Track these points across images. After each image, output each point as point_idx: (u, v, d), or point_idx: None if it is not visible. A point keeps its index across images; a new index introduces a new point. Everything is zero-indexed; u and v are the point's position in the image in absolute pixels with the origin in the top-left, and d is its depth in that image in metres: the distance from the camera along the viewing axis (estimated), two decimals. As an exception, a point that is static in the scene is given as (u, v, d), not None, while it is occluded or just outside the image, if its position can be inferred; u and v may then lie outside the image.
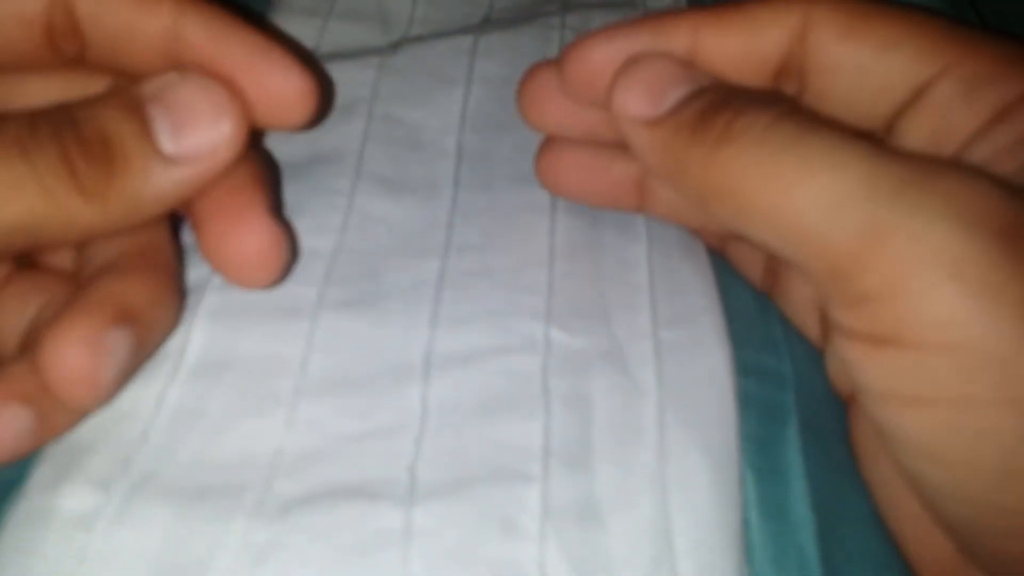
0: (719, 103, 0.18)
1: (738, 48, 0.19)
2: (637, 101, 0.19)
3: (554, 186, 0.24)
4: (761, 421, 0.22)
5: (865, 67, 0.18)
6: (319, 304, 0.23)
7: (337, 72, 0.28)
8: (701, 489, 0.20)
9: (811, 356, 0.23)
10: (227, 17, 0.19)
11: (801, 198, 0.16)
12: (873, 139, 0.16)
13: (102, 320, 0.17)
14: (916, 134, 0.18)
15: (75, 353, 0.17)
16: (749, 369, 0.23)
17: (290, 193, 0.25)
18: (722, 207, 0.17)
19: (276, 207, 0.20)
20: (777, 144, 0.16)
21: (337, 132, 0.27)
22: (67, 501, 0.19)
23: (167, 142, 0.18)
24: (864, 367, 0.16)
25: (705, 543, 0.19)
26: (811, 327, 0.23)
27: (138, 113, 0.18)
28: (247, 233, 0.19)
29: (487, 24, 0.31)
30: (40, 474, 0.20)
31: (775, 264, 0.23)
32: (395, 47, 0.30)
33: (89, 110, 0.18)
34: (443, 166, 0.26)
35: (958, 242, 0.14)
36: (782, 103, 0.17)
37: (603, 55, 0.20)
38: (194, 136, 0.18)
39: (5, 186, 0.16)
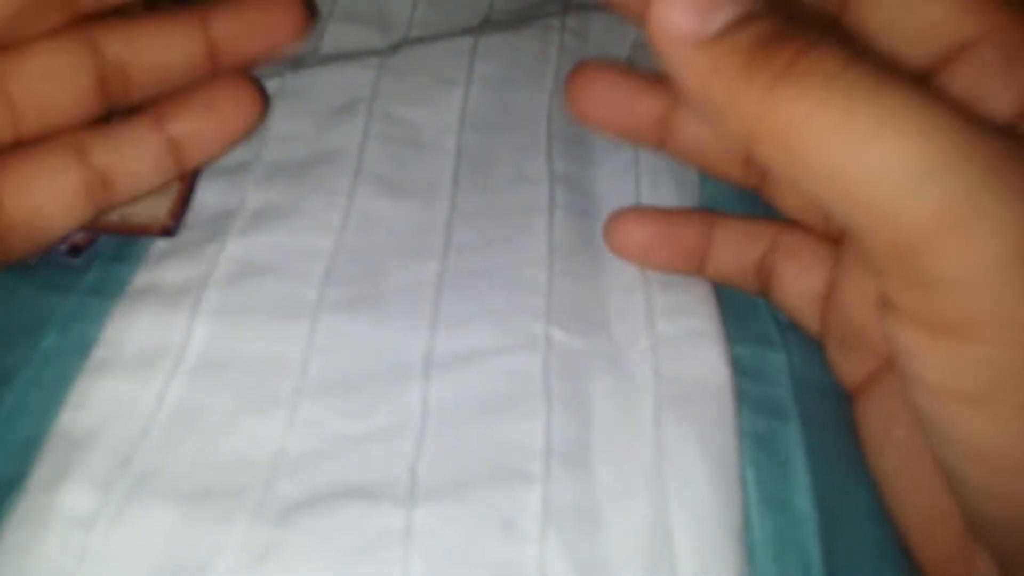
0: (780, 34, 0.15)
1: None
2: (682, 14, 0.16)
3: (580, 112, 0.23)
4: (760, 417, 0.22)
5: (910, 3, 0.17)
6: (319, 304, 0.23)
7: (337, 73, 0.28)
8: (700, 486, 0.20)
9: (807, 348, 0.23)
10: None
11: (876, 159, 0.14)
12: (960, 105, 0.14)
13: None
14: (951, 92, 0.17)
15: None
16: (745, 366, 0.23)
17: (290, 192, 0.25)
18: (775, 153, 0.15)
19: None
20: (854, 90, 0.14)
21: (337, 132, 0.27)
22: (67, 500, 0.19)
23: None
24: (921, 355, 0.15)
25: (705, 541, 0.19)
26: (810, 320, 0.22)
27: None
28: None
29: (487, 25, 0.31)
30: (40, 472, 0.19)
31: (770, 260, 0.23)
32: (395, 48, 0.30)
33: None
34: (442, 166, 0.26)
35: None
36: (849, 45, 0.15)
37: None
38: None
39: None
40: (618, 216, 0.22)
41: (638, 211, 0.22)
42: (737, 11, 0.16)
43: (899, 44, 0.17)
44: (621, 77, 0.22)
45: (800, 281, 0.22)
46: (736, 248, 0.23)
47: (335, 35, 0.31)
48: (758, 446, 0.21)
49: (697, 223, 0.23)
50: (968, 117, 0.14)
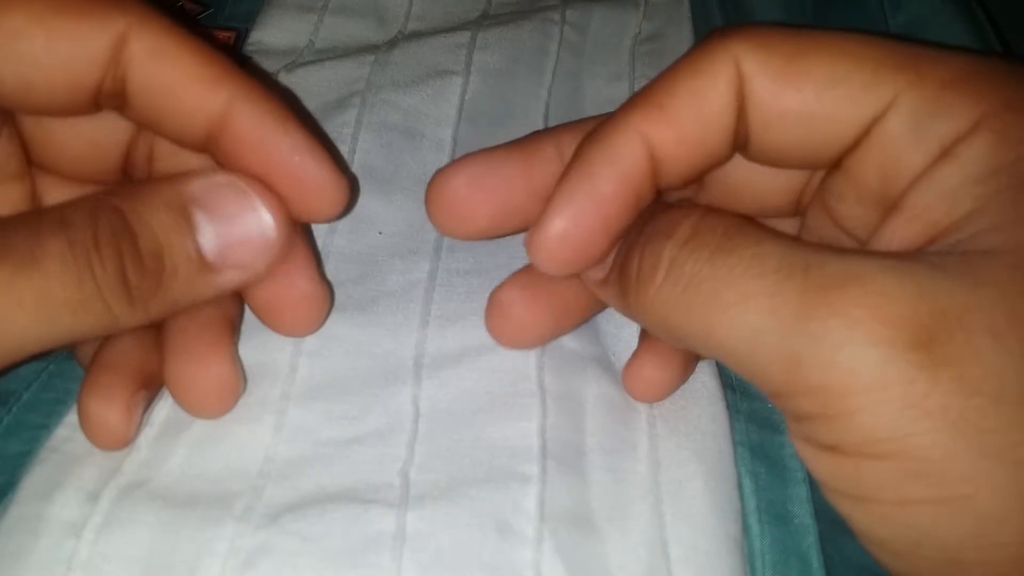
0: (629, 248, 0.18)
1: (692, 133, 0.18)
2: (591, 270, 0.19)
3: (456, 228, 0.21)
4: (754, 427, 0.22)
5: (808, 113, 0.17)
6: None
7: (332, 70, 0.28)
8: (696, 497, 0.19)
9: None
10: (279, 108, 0.19)
11: (722, 335, 0.16)
12: (781, 241, 0.16)
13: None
14: (864, 172, 0.18)
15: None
16: (735, 384, 0.22)
17: None
18: (670, 339, 0.18)
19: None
20: (688, 281, 0.16)
21: (330, 122, 0.27)
22: (57, 509, 0.19)
23: (211, 252, 0.19)
24: (814, 467, 0.16)
25: (701, 551, 0.19)
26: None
27: (186, 220, 0.18)
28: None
29: (486, 19, 0.31)
30: (30, 482, 0.19)
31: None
32: (392, 43, 0.29)
33: (139, 213, 0.18)
34: (436, 160, 0.26)
35: (869, 364, 0.14)
36: (685, 221, 0.17)
37: (568, 221, 0.18)
38: (239, 249, 0.19)
39: (76, 306, 0.17)
40: (633, 371, 0.22)
41: (644, 357, 0.21)
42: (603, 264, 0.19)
43: (806, 153, 0.18)
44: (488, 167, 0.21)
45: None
46: None
47: (330, 29, 0.30)
48: (755, 456, 0.21)
49: None
50: (789, 264, 0.15)
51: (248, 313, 0.22)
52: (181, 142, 0.19)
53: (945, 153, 0.16)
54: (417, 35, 0.30)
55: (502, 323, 0.21)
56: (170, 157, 0.20)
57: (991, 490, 0.14)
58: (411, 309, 0.22)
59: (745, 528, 0.20)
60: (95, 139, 0.20)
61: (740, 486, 0.20)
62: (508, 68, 0.28)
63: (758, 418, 0.22)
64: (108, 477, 0.19)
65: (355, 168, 0.25)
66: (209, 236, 0.19)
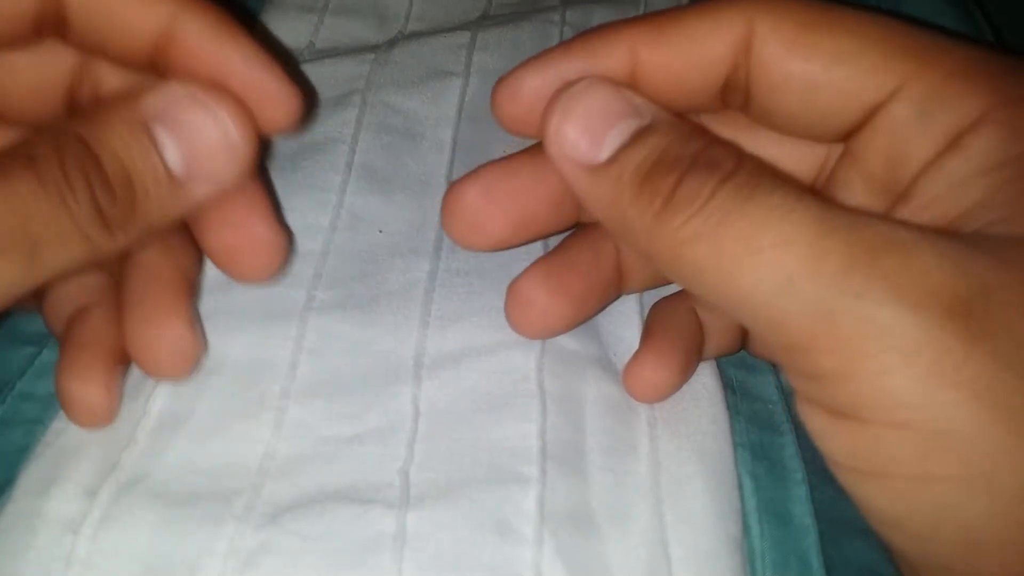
0: (664, 160, 0.17)
1: (680, 65, 0.18)
2: (576, 141, 0.17)
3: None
4: (754, 428, 0.22)
5: (814, 83, 0.17)
6: (308, 306, 0.22)
7: (332, 67, 0.28)
8: (696, 498, 0.19)
9: None
10: (224, 20, 0.19)
11: (749, 277, 0.15)
12: (820, 199, 0.16)
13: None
14: (870, 158, 0.18)
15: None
16: (735, 386, 0.22)
17: (279, 187, 0.25)
18: (671, 274, 0.17)
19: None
20: (721, 216, 0.16)
21: (330, 121, 0.26)
22: (55, 505, 0.19)
23: (178, 167, 0.18)
24: (824, 436, 0.16)
25: (702, 552, 0.19)
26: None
27: (148, 138, 0.18)
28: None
29: (485, 20, 0.31)
30: (28, 478, 0.19)
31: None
32: (392, 42, 0.29)
33: (101, 139, 0.17)
34: (437, 160, 0.26)
35: (907, 326, 0.14)
36: (728, 159, 0.16)
37: (536, 85, 0.19)
38: (205, 161, 0.18)
39: (56, 242, 0.17)
40: (633, 372, 0.21)
41: (645, 358, 0.21)
42: (627, 129, 0.17)
43: (809, 126, 0.18)
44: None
45: None
46: (719, 319, 0.22)
47: (330, 29, 0.30)
48: (755, 456, 0.21)
49: (684, 321, 0.22)
50: (829, 219, 0.15)
51: (245, 305, 0.22)
52: (126, 62, 0.19)
53: (952, 143, 0.16)
54: (417, 35, 0.30)
55: (523, 312, 0.21)
56: (116, 85, 0.20)
57: (1015, 468, 0.14)
58: (411, 309, 0.22)
59: (745, 528, 0.20)
60: (37, 76, 0.20)
61: (740, 487, 0.20)
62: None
63: (758, 419, 0.22)
64: (106, 472, 0.19)
65: (355, 167, 0.25)
66: (173, 151, 0.18)
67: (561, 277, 0.21)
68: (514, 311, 0.21)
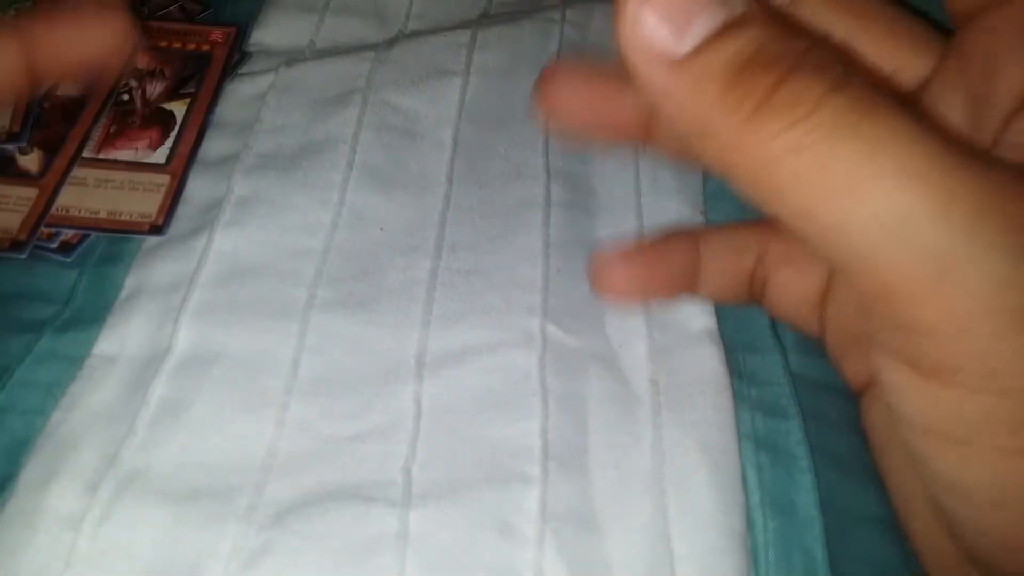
0: (762, 54, 0.14)
1: None
2: (655, 29, 0.14)
3: (552, 114, 0.20)
4: (760, 418, 0.21)
5: None
6: (309, 304, 0.22)
7: (332, 65, 0.28)
8: (700, 491, 0.19)
9: (804, 347, 0.23)
10: None
11: (855, 205, 0.13)
12: (943, 130, 0.14)
13: None
14: (972, 70, 0.16)
15: None
16: (742, 369, 0.22)
17: (280, 185, 0.25)
18: (754, 190, 0.14)
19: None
20: (831, 129, 0.13)
21: (330, 121, 0.26)
22: (54, 500, 0.19)
23: None
24: (904, 393, 0.15)
25: (705, 546, 0.19)
26: (807, 323, 0.21)
27: None
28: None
29: (486, 19, 0.31)
30: (29, 472, 0.19)
31: (762, 270, 0.22)
32: (392, 42, 0.29)
33: None
34: (437, 159, 0.26)
35: None
36: (838, 64, 0.14)
37: None
38: None
39: None
40: (602, 259, 0.21)
41: (622, 252, 0.21)
42: (719, 21, 0.14)
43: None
44: (596, 75, 0.20)
45: (796, 287, 0.21)
46: (726, 263, 0.21)
47: (331, 29, 0.30)
48: (759, 446, 0.21)
49: (683, 247, 0.21)
50: (956, 153, 0.13)
51: (245, 301, 0.22)
52: None
53: None
54: (417, 34, 0.30)
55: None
56: None
57: None
58: (413, 307, 0.22)
59: (748, 522, 0.20)
60: None
61: (744, 479, 0.20)
62: (508, 68, 0.28)
63: (764, 404, 0.21)
64: (106, 465, 0.19)
65: (356, 166, 0.25)
66: None
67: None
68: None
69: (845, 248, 0.14)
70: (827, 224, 0.14)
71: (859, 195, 0.13)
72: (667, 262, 0.21)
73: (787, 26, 0.15)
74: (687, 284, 0.21)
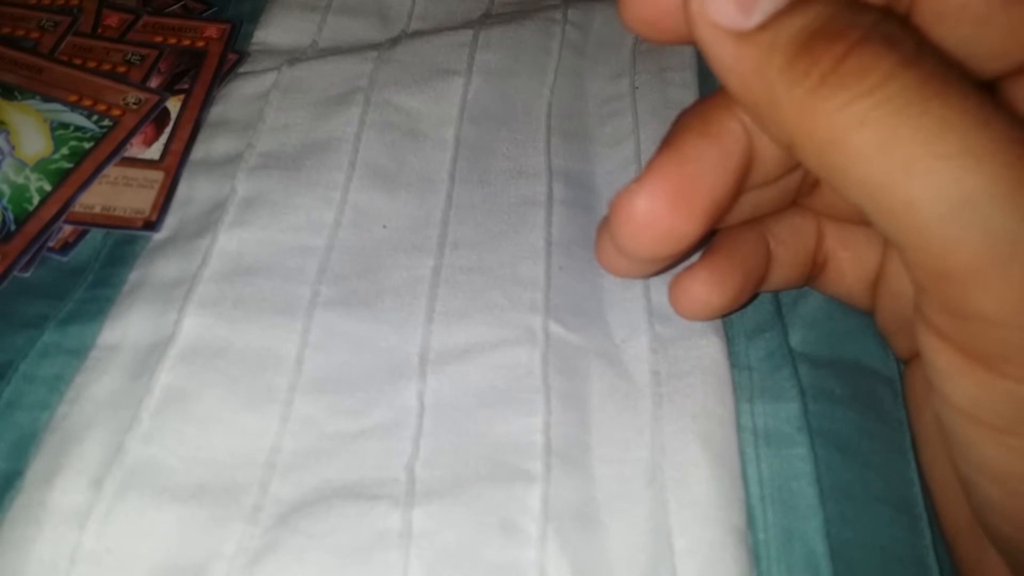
0: (828, 27, 0.14)
1: None
2: (723, 3, 0.15)
3: (635, 22, 0.18)
4: (761, 407, 0.21)
5: (988, 18, 0.15)
6: (313, 302, 0.22)
7: (334, 65, 0.28)
8: (701, 484, 0.19)
9: (810, 323, 0.22)
10: None
11: (920, 184, 0.13)
12: (1013, 116, 0.13)
13: None
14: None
15: None
16: (742, 360, 0.22)
17: (283, 184, 0.25)
18: (815, 164, 0.14)
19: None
20: (899, 104, 0.13)
21: (333, 121, 0.26)
22: (59, 495, 0.18)
23: None
24: (951, 377, 0.14)
25: (706, 540, 0.18)
26: (861, 300, 0.21)
27: None
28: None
29: (488, 19, 0.30)
30: (36, 466, 0.19)
31: (822, 253, 0.21)
32: (394, 41, 0.29)
33: None
34: (440, 158, 0.26)
35: None
36: (908, 39, 0.14)
37: None
38: None
39: None
40: (682, 284, 0.20)
41: (699, 271, 0.19)
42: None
43: (965, 57, 0.16)
44: None
45: (857, 268, 0.21)
46: (796, 251, 0.21)
47: (334, 28, 0.30)
48: (759, 439, 0.21)
49: (752, 238, 0.20)
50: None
51: (250, 297, 0.22)
52: None
53: None
54: (419, 34, 0.30)
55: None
56: None
57: None
58: (416, 305, 0.22)
59: (749, 515, 0.19)
60: None
61: (744, 472, 0.20)
62: (510, 67, 0.28)
63: (766, 390, 0.21)
64: (111, 457, 0.19)
65: (359, 165, 0.25)
66: None
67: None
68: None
69: (905, 228, 0.13)
70: (890, 202, 0.13)
71: (922, 174, 0.13)
72: (743, 262, 0.20)
73: (859, 2, 0.14)
74: (761, 280, 0.21)
